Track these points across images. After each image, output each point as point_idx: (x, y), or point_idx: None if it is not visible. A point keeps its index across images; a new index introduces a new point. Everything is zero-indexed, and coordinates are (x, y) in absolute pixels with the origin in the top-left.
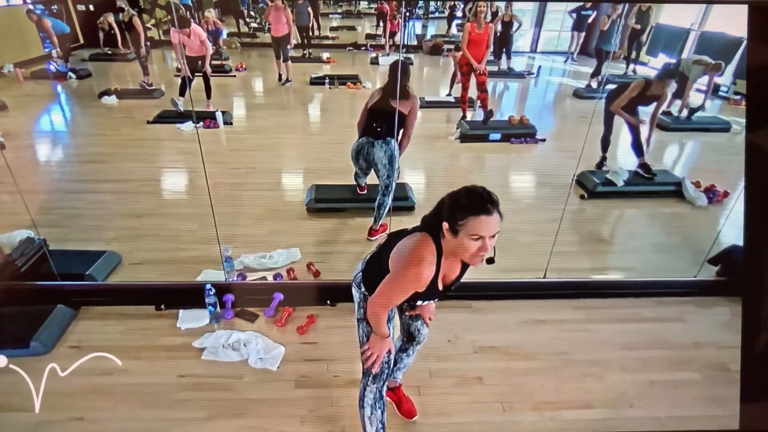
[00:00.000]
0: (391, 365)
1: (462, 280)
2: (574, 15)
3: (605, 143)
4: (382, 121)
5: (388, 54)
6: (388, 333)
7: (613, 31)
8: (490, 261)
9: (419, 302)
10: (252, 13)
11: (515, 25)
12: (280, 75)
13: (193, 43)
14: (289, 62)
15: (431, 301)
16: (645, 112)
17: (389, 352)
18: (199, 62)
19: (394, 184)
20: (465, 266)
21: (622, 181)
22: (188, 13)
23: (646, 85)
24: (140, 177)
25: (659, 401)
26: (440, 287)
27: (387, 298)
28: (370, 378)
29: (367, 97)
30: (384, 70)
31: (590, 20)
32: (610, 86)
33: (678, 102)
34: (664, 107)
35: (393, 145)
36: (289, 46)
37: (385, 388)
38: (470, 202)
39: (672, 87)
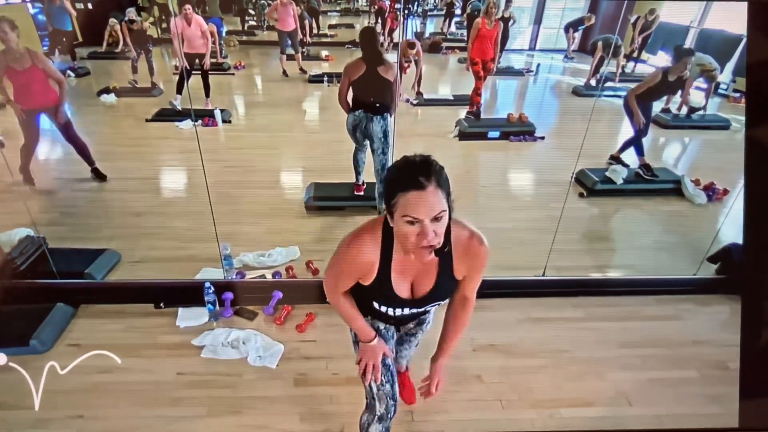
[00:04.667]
0: (396, 399)
1: None
2: (573, 31)
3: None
4: (377, 95)
5: (387, 51)
6: (372, 334)
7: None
8: (438, 252)
9: (383, 307)
10: (251, 11)
11: (511, 21)
12: (284, 70)
13: (194, 33)
14: (299, 54)
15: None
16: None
17: (386, 360)
18: (197, 60)
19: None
20: (441, 281)
21: (621, 179)
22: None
23: (664, 73)
24: (139, 175)
25: (658, 399)
26: (398, 291)
27: (331, 278)
28: (376, 417)
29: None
30: None
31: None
32: (610, 84)
33: (677, 99)
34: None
35: (389, 120)
36: (299, 38)
37: (390, 423)
38: (399, 175)
39: (691, 63)
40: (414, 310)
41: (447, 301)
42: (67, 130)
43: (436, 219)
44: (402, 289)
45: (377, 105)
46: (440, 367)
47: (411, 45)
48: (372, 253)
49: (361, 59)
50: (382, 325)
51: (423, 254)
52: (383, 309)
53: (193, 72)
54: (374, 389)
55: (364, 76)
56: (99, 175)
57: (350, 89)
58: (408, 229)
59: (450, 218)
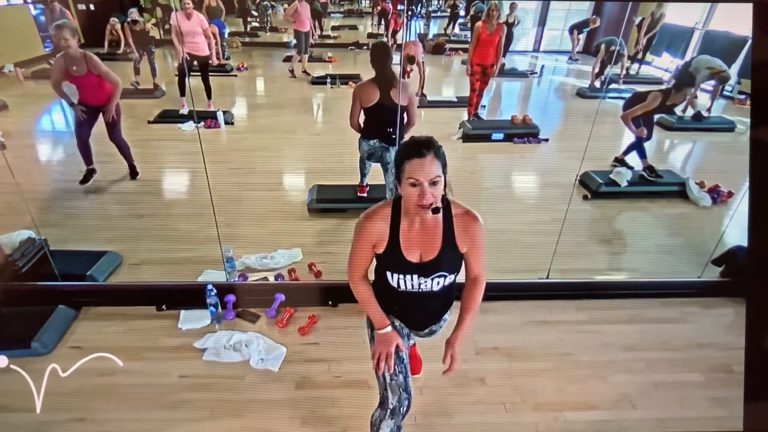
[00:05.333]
0: (410, 393)
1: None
2: (578, 33)
3: (641, 149)
4: (393, 125)
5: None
6: (387, 322)
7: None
8: (436, 210)
9: (395, 276)
10: (254, 12)
11: (515, 22)
12: (292, 70)
13: (193, 28)
14: (306, 55)
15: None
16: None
17: (399, 352)
18: (195, 62)
19: None
20: (445, 250)
21: (625, 181)
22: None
23: (663, 96)
24: (141, 177)
25: (662, 402)
26: (407, 255)
27: (351, 258)
28: (388, 412)
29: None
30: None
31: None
32: (614, 86)
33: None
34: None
35: None
36: (310, 40)
37: (403, 422)
38: (407, 149)
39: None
40: (423, 283)
41: (453, 281)
42: (111, 129)
43: (433, 183)
44: (410, 254)
45: (393, 136)
46: (456, 343)
47: (411, 59)
48: (383, 222)
49: (372, 82)
50: (397, 323)
51: (423, 211)
52: (395, 280)
53: (192, 74)
54: (387, 379)
55: (378, 105)
56: (133, 173)
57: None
58: (411, 191)
59: (445, 185)
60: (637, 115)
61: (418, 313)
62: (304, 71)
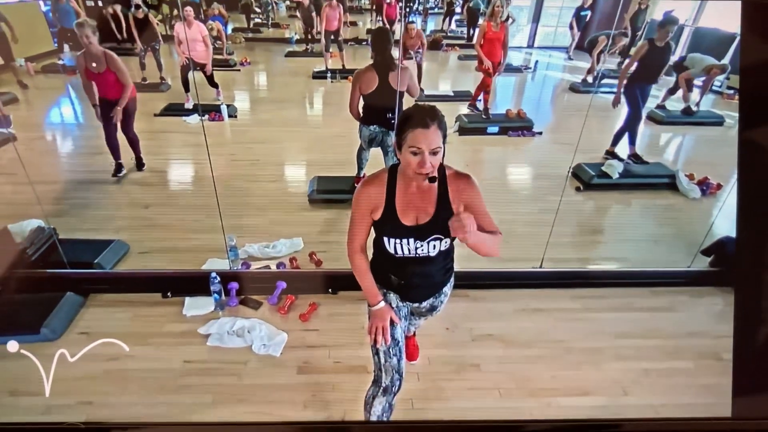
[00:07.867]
0: (402, 375)
1: (459, 270)
2: (573, 16)
3: (633, 132)
4: (392, 110)
5: None
6: (379, 297)
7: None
8: (432, 180)
9: (391, 242)
10: (257, 8)
11: (510, 19)
12: (326, 68)
13: (194, 36)
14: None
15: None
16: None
17: (395, 333)
18: (198, 68)
19: None
20: (440, 211)
21: (617, 173)
22: (194, 10)
23: (650, 41)
24: (147, 168)
25: (653, 389)
26: (402, 219)
27: (350, 228)
28: (381, 390)
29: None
30: None
31: (587, 19)
32: (607, 81)
33: (672, 98)
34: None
35: None
36: (340, 38)
37: (394, 400)
38: (412, 117)
39: (674, 31)
40: (419, 247)
41: (449, 246)
42: (124, 123)
43: (433, 153)
44: (406, 217)
45: (393, 121)
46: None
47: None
48: (379, 187)
49: (372, 67)
50: (394, 301)
51: (421, 179)
52: (392, 245)
53: (196, 71)
54: (382, 360)
55: (377, 91)
56: (139, 164)
57: (361, 99)
58: (411, 159)
59: (443, 155)
60: (633, 67)
61: (417, 281)
62: (326, 68)
